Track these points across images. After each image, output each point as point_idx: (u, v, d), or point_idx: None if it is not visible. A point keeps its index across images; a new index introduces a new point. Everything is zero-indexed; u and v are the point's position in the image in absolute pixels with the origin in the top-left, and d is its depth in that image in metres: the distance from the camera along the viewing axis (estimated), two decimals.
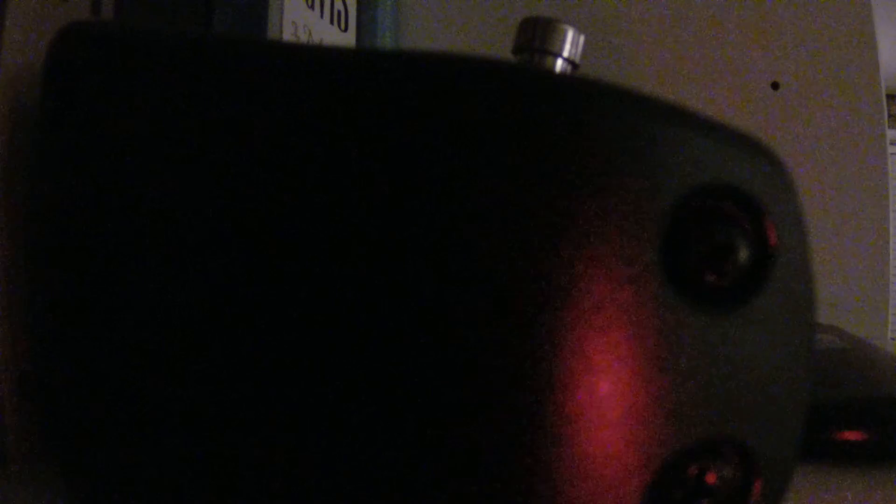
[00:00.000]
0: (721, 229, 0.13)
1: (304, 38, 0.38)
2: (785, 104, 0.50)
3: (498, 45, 0.52)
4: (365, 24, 0.48)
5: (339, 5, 0.44)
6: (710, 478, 0.13)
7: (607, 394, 0.12)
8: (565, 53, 0.27)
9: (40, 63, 0.15)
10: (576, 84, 0.12)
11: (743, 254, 0.13)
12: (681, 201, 0.13)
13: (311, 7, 0.40)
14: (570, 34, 0.27)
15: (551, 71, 0.13)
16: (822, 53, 0.50)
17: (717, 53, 0.50)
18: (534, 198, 0.12)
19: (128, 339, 0.13)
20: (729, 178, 0.13)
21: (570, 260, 0.12)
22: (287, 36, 0.36)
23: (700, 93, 0.50)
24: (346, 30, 0.45)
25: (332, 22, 0.43)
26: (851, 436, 0.23)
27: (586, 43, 0.28)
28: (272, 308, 0.12)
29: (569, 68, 0.28)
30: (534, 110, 0.12)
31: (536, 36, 0.27)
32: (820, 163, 0.50)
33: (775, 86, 0.50)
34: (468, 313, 0.12)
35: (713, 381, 0.13)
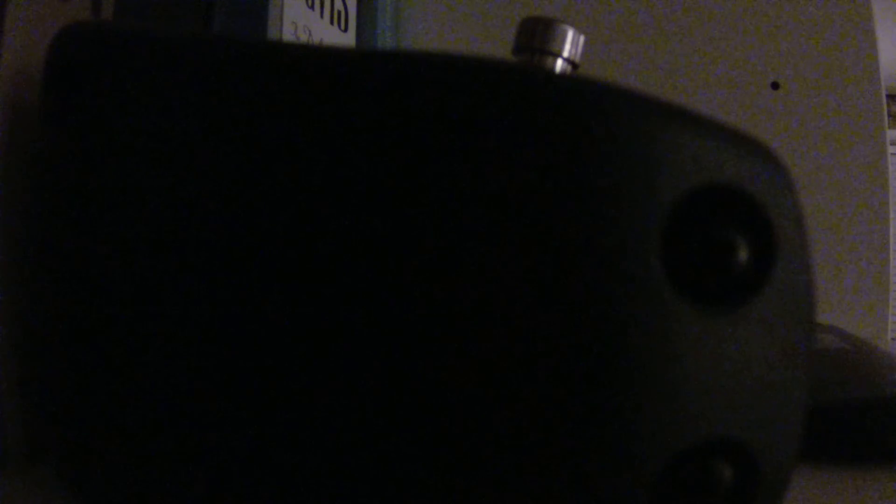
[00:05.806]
0: (721, 229, 0.13)
1: (304, 38, 0.38)
2: (785, 104, 0.50)
3: (498, 45, 0.52)
4: (365, 24, 0.48)
5: (339, 5, 0.44)
6: (710, 478, 0.13)
7: (607, 394, 0.12)
8: (565, 53, 0.27)
9: (40, 63, 0.15)
10: (576, 84, 0.12)
11: (743, 254, 0.13)
12: (681, 201, 0.13)
13: (311, 7, 0.40)
14: (570, 34, 0.27)
15: (551, 71, 0.13)
16: (822, 53, 0.50)
17: (717, 53, 0.50)
18: (533, 198, 0.12)
19: (127, 339, 0.13)
20: (729, 178, 0.13)
21: (570, 260, 0.12)
22: (287, 36, 0.36)
23: (700, 93, 0.50)
24: (346, 30, 0.45)
25: (332, 22, 0.43)
26: (851, 436, 0.23)
27: (586, 43, 0.28)
28: (271, 307, 0.12)
29: (569, 68, 0.28)
30: (534, 110, 0.12)
31: (536, 36, 0.27)
32: (820, 163, 0.50)
33: (775, 86, 0.50)
34: (468, 313, 0.12)
35: (713, 381, 0.13)
